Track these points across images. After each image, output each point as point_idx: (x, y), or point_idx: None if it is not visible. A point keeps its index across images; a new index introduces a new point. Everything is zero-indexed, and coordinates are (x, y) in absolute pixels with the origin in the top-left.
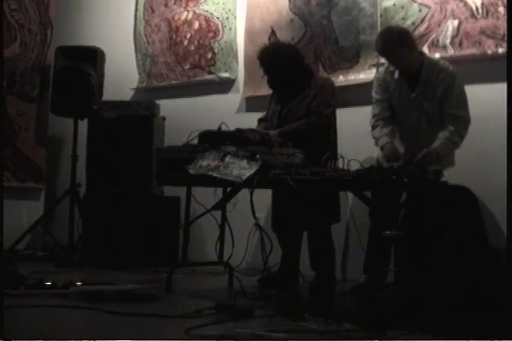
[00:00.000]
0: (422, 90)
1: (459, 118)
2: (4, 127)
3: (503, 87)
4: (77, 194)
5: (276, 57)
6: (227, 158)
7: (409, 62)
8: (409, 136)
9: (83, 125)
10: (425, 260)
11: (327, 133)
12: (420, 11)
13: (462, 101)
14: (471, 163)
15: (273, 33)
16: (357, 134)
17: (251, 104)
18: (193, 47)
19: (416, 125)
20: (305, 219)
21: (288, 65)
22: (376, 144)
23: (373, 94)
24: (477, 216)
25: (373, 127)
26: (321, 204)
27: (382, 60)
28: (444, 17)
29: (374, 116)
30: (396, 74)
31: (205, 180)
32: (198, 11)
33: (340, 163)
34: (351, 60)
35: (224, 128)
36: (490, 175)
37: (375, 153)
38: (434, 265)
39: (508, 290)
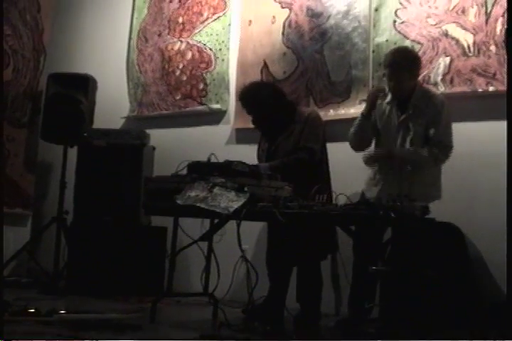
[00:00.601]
0: (411, 113)
1: (443, 144)
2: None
3: (492, 124)
4: (64, 221)
5: (256, 98)
6: (216, 190)
7: (404, 87)
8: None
9: (73, 152)
10: (411, 296)
11: (319, 168)
12: (412, 47)
13: (449, 129)
14: (459, 200)
15: (265, 65)
16: (346, 169)
17: (241, 135)
18: (185, 78)
19: (401, 146)
20: (296, 253)
21: (269, 104)
22: (353, 139)
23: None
24: (464, 253)
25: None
26: (311, 238)
27: None
28: (436, 54)
29: None
30: (388, 98)
31: (193, 210)
32: (191, 42)
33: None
34: (342, 94)
35: (213, 159)
36: (477, 213)
37: (363, 187)
38: (419, 301)
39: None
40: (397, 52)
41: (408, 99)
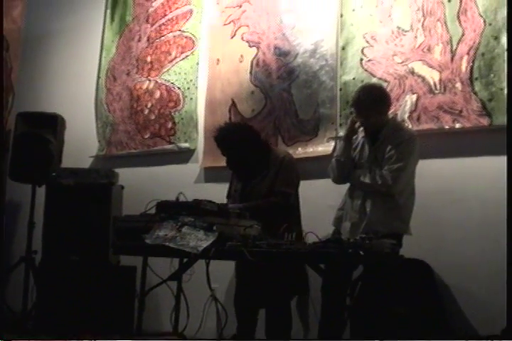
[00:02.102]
0: (380, 145)
1: (392, 174)
2: None
3: (459, 161)
4: (33, 261)
5: (233, 139)
6: (184, 229)
7: (373, 122)
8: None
9: (41, 191)
10: (381, 333)
11: (291, 209)
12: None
13: (407, 165)
14: (427, 237)
15: (233, 104)
16: (314, 207)
17: (210, 174)
18: (153, 117)
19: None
20: (264, 294)
21: (245, 145)
22: (333, 167)
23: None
24: (433, 289)
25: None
26: (280, 279)
27: (341, 134)
28: (403, 92)
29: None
30: (362, 133)
31: (162, 250)
32: (159, 81)
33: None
34: (310, 132)
35: (182, 198)
36: (445, 249)
37: (331, 225)
38: (390, 337)
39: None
40: (362, 91)
41: (380, 132)
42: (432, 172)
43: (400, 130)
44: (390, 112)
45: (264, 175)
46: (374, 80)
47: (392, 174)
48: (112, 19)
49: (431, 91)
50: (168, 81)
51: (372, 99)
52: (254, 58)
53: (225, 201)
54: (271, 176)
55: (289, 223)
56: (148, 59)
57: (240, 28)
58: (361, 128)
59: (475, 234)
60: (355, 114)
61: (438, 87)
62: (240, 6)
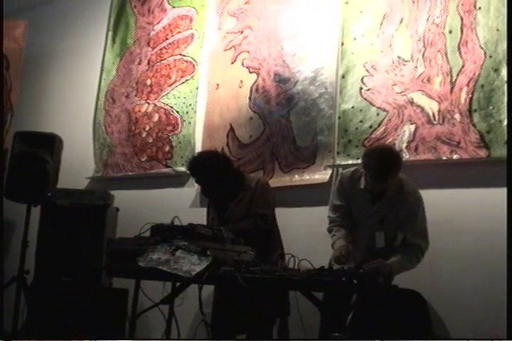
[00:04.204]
0: (384, 208)
1: (417, 246)
2: None
3: (455, 192)
4: (25, 281)
5: (206, 168)
6: (178, 253)
7: (388, 186)
8: (362, 247)
9: (36, 211)
10: None
11: (271, 233)
12: (378, 114)
13: (423, 228)
14: (421, 266)
15: (231, 129)
16: (310, 234)
17: (205, 199)
18: (151, 140)
19: (370, 239)
20: (246, 319)
21: (219, 173)
22: (333, 248)
23: (332, 197)
24: (426, 320)
25: (329, 231)
26: (262, 304)
27: (338, 162)
28: (401, 122)
29: (331, 221)
30: (362, 184)
31: (155, 273)
32: (158, 104)
33: (291, 263)
34: (308, 160)
35: (177, 222)
36: (440, 280)
37: (327, 253)
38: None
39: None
40: (382, 157)
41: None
42: (428, 203)
43: (405, 193)
44: (388, 142)
45: (240, 199)
46: (373, 109)
47: (420, 254)
48: (113, 41)
49: (429, 121)
50: (167, 104)
51: (397, 165)
52: (253, 84)
53: None
54: (247, 200)
55: (271, 247)
56: (148, 82)
57: (240, 53)
58: (361, 178)
59: (470, 266)
60: (370, 177)
61: (437, 117)
62: (242, 32)
